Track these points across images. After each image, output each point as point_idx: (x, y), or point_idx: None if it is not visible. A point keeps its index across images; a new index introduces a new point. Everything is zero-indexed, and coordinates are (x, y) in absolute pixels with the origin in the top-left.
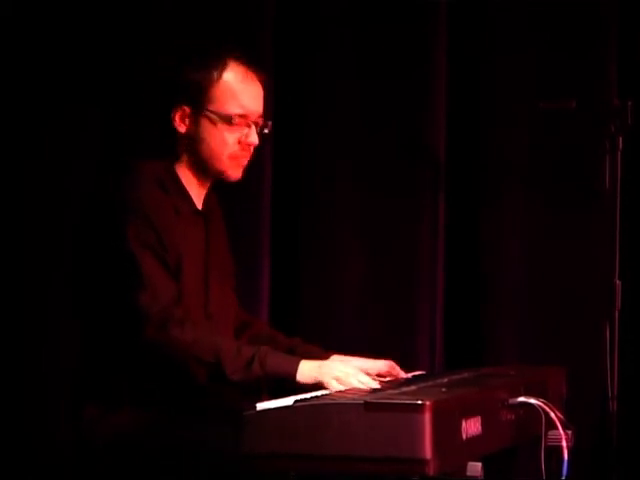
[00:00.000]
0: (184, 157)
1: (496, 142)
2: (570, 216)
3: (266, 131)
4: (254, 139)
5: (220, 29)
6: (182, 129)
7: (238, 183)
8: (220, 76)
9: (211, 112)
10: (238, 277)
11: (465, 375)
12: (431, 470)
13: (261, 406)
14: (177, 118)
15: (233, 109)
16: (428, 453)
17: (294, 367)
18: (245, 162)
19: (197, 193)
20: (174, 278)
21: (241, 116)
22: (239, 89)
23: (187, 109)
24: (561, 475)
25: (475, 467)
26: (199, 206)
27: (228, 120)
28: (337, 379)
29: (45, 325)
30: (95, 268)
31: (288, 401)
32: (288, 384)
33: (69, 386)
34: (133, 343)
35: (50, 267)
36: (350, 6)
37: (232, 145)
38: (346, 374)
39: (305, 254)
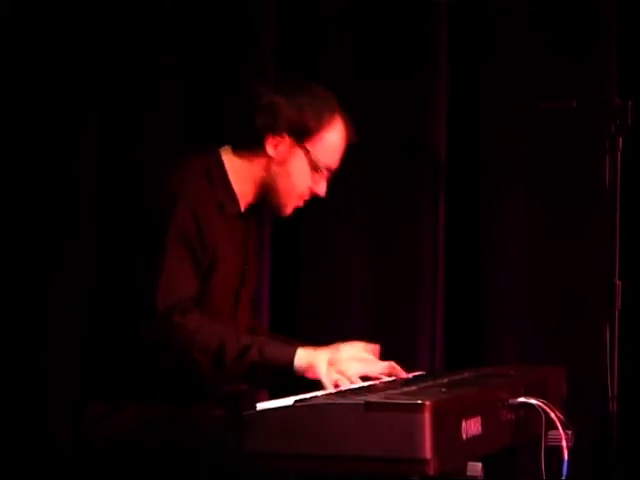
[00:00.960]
0: (254, 173)
1: (496, 142)
2: (570, 216)
3: None
4: (323, 191)
5: (220, 29)
6: (272, 153)
7: None
8: (329, 128)
9: (309, 154)
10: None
11: (465, 375)
12: (431, 470)
13: (261, 406)
14: (272, 142)
15: (327, 161)
16: (428, 453)
17: (292, 352)
18: (301, 206)
19: (243, 191)
20: (203, 278)
21: (327, 169)
22: (338, 147)
23: (288, 140)
24: (561, 475)
25: (475, 467)
26: (242, 208)
27: (318, 169)
28: (330, 361)
29: (45, 325)
30: (123, 255)
31: (288, 401)
32: (285, 372)
33: (69, 386)
34: (137, 337)
35: (50, 267)
36: (350, 6)
37: (304, 189)
38: (338, 361)
39: (305, 254)
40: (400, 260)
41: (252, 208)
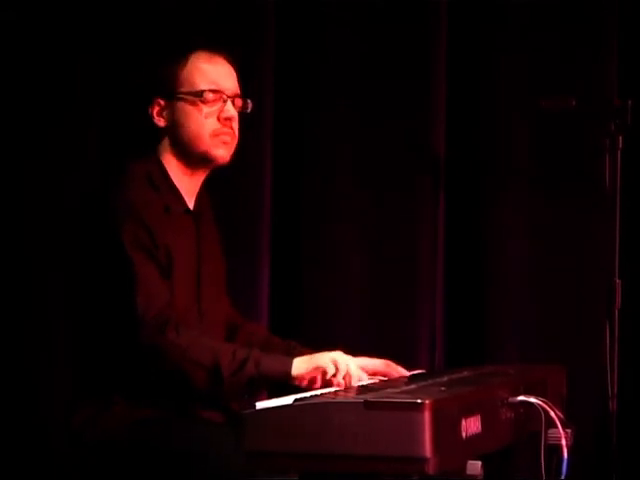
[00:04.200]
0: (170, 152)
1: (496, 142)
2: (570, 215)
3: (247, 110)
4: (230, 112)
5: (220, 29)
6: (161, 123)
7: (238, 183)
8: (186, 61)
9: (183, 94)
10: (232, 280)
11: (465, 374)
12: (431, 469)
13: (260, 405)
14: (155, 114)
15: (203, 85)
16: (428, 452)
17: (288, 364)
18: (228, 140)
19: (188, 191)
20: (167, 278)
21: (213, 91)
22: (206, 67)
23: (161, 101)
24: (560, 474)
25: (475, 466)
26: (190, 205)
27: (200, 96)
28: (333, 361)
29: (40, 326)
30: (90, 272)
31: (288, 400)
32: (283, 383)
33: (61, 387)
34: (128, 346)
35: (50, 268)
36: (350, 6)
37: (211, 122)
38: (341, 358)
39: (305, 254)
40: (400, 260)
41: (202, 205)
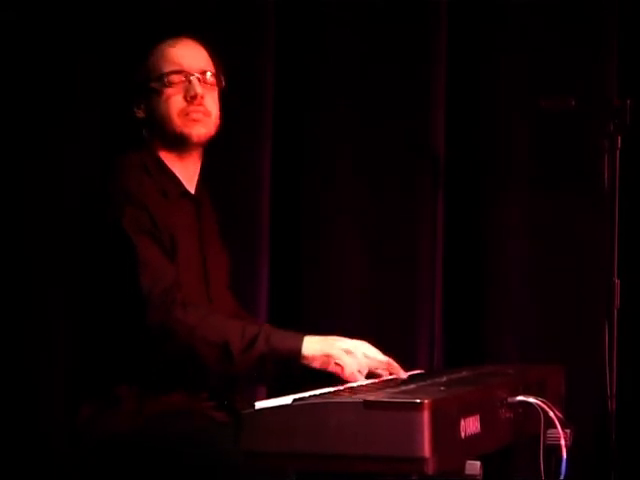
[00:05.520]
0: (153, 141)
1: (496, 142)
2: (570, 215)
3: (222, 86)
4: (195, 90)
5: (220, 29)
6: (140, 114)
7: (238, 182)
8: (152, 50)
9: (151, 81)
10: (233, 275)
11: (464, 374)
12: (430, 469)
13: (260, 405)
14: (136, 110)
15: (165, 68)
16: (427, 452)
17: (299, 341)
18: (200, 117)
19: (186, 176)
20: (171, 260)
21: (175, 72)
22: (168, 50)
23: (138, 97)
24: (560, 474)
25: (474, 466)
26: (190, 189)
27: (163, 80)
28: (346, 351)
29: (42, 323)
30: (93, 262)
31: (287, 400)
32: (293, 364)
33: (64, 384)
34: (136, 331)
35: (50, 268)
36: (350, 6)
37: (176, 102)
38: (355, 346)
39: (305, 254)
40: (400, 260)
41: (202, 194)
